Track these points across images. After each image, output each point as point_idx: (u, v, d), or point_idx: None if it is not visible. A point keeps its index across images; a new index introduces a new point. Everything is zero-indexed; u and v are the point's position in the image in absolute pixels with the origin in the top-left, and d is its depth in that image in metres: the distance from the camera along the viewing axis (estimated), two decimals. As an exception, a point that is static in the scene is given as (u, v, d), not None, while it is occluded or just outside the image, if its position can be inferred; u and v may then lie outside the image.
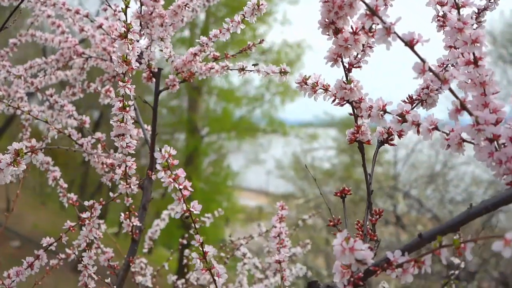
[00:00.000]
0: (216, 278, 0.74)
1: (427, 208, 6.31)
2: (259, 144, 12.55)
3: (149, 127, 1.22)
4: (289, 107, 11.77)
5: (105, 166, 1.13)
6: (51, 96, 1.21)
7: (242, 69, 1.06)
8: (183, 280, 1.47)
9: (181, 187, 0.71)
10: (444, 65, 0.81)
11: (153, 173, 1.09)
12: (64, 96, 1.32)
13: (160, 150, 0.70)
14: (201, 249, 0.74)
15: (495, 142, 0.59)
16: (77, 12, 1.19)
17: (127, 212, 1.07)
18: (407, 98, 0.80)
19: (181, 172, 0.71)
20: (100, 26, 1.14)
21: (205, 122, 12.02)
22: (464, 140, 0.62)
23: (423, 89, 0.79)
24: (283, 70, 0.96)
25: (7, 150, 0.76)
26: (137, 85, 1.22)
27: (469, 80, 0.64)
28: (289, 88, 11.94)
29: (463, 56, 0.63)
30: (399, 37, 0.58)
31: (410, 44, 0.58)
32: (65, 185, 1.19)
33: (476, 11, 0.85)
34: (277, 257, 1.10)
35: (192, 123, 11.51)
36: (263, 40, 1.13)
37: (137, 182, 1.02)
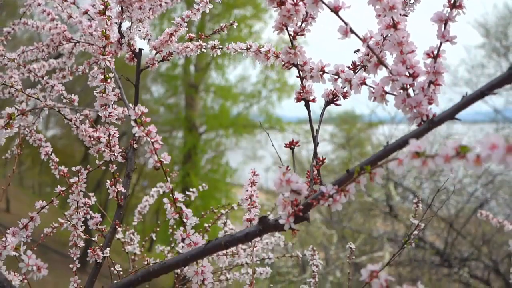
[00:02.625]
0: (184, 220, 0.85)
1: (421, 198, 6.43)
2: (256, 140, 12.64)
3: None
4: (286, 103, 11.87)
5: (92, 139, 1.24)
6: (42, 77, 1.32)
7: (214, 47, 1.18)
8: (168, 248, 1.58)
9: (153, 140, 0.82)
10: (384, 35, 0.92)
11: (135, 143, 1.20)
12: (55, 79, 1.44)
13: (134, 109, 0.81)
14: (171, 195, 0.85)
15: (408, 91, 0.70)
16: (64, -1, 1.30)
17: (112, 179, 1.19)
18: (351, 64, 0.91)
19: (152, 128, 0.82)
20: (86, 12, 1.24)
21: (202, 120, 12.11)
22: (386, 92, 0.74)
23: (364, 55, 0.91)
24: (249, 47, 1.07)
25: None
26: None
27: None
28: (286, 85, 12.06)
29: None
30: (325, 4, 0.69)
31: (335, 10, 0.69)
32: (57, 159, 1.30)
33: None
34: (247, 215, 1.22)
35: (190, 121, 11.60)
36: (234, 21, 1.24)
37: (120, 150, 1.13)
